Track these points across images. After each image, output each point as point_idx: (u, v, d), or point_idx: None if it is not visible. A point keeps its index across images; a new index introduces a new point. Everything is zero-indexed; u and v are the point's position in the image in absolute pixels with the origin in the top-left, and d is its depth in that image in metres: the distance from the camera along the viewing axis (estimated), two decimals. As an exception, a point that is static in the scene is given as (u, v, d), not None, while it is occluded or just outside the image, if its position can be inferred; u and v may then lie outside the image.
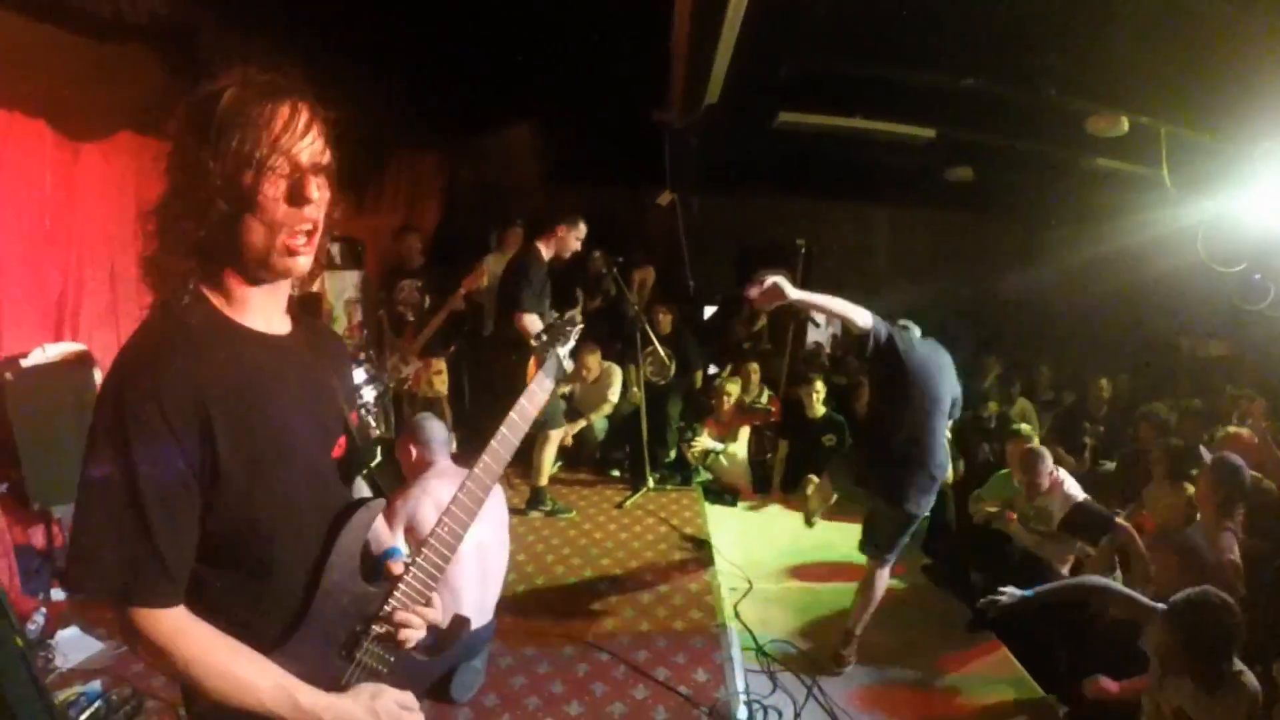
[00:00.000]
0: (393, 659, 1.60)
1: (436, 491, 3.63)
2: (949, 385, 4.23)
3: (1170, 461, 5.04)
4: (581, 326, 2.13)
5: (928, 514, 4.53)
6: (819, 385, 7.18)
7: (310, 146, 1.39)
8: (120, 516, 1.26)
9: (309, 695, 1.41)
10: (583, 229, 5.39)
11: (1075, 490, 4.96)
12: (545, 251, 5.25)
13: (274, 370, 1.45)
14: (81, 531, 1.28)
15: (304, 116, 1.39)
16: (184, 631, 1.32)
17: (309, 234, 1.41)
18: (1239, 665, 3.09)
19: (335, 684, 1.50)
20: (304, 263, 1.42)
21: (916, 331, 4.32)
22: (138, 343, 1.35)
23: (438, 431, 3.96)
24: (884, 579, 4.47)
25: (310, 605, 1.47)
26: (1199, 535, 4.26)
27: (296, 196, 1.37)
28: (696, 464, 7.11)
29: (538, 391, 1.98)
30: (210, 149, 1.31)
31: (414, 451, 3.89)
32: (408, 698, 1.56)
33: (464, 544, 3.64)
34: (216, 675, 1.33)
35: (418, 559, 1.64)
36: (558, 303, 5.84)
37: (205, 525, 1.35)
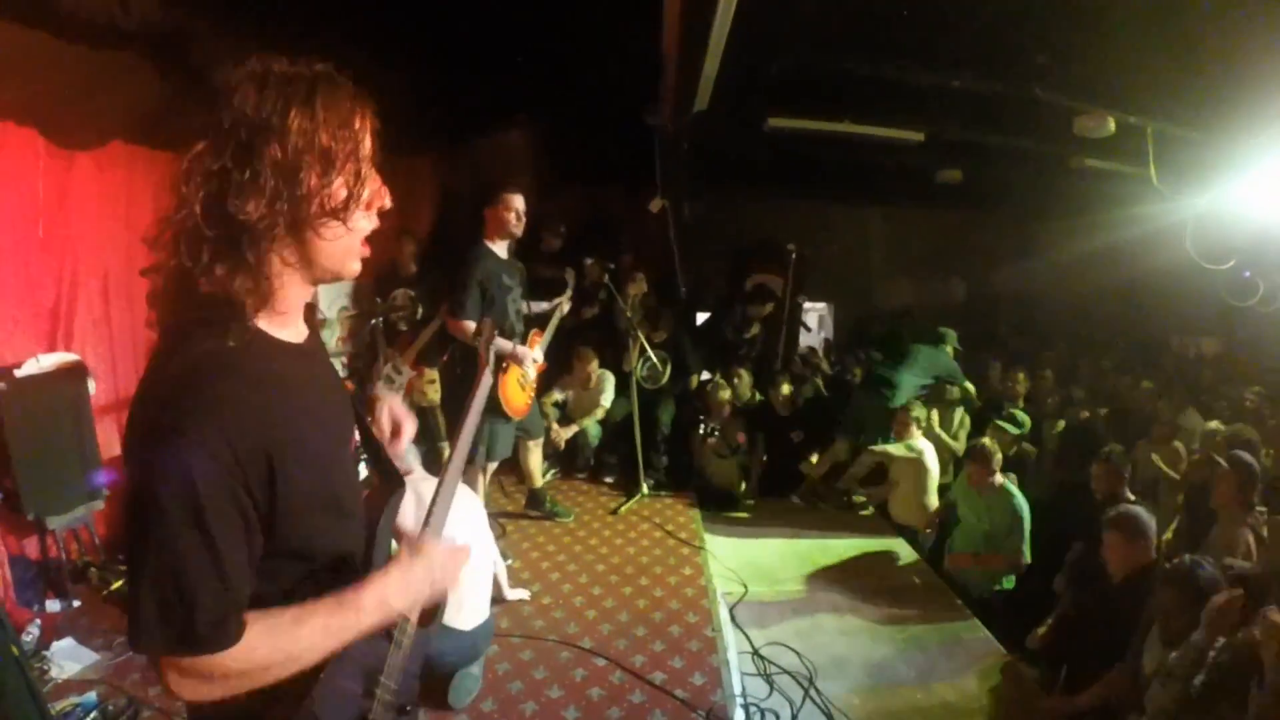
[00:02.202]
0: (405, 639, 1.60)
1: (419, 489, 3.65)
2: None
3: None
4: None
5: None
6: (785, 387, 7.46)
7: (369, 146, 1.36)
8: (200, 572, 1.20)
9: (358, 601, 1.37)
10: (517, 203, 5.00)
11: None
12: (496, 245, 5.00)
13: (310, 382, 1.42)
14: (158, 591, 1.19)
15: (367, 115, 1.35)
16: (253, 648, 1.26)
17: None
18: None
19: (381, 662, 1.52)
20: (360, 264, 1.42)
21: None
22: (193, 380, 1.22)
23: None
24: None
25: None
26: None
27: (375, 199, 1.37)
28: (711, 459, 7.14)
29: (484, 384, 2.07)
30: (295, 156, 1.25)
31: None
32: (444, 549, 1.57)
33: (458, 535, 3.66)
34: (294, 660, 1.30)
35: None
36: (549, 295, 5.82)
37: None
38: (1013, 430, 6.58)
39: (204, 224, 1.22)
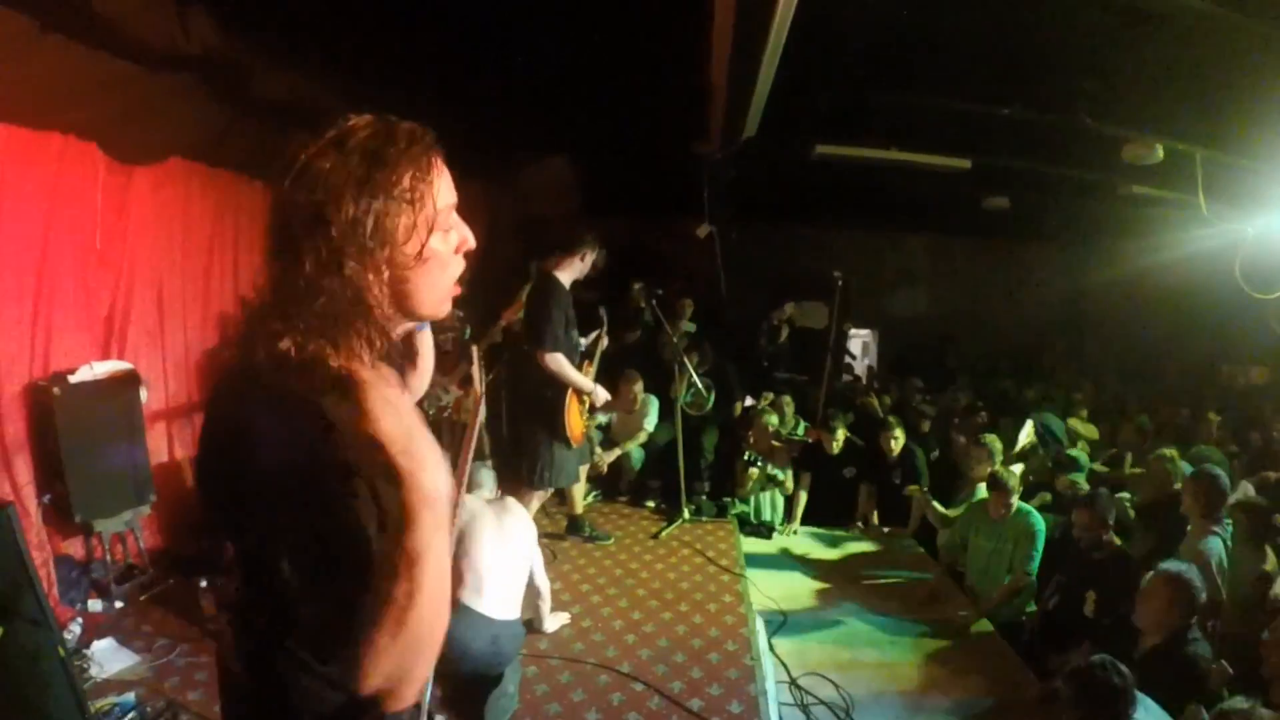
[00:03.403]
0: None
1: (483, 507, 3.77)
2: None
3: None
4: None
5: None
6: (840, 433, 7.19)
7: (451, 191, 1.41)
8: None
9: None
10: (598, 252, 5.22)
11: None
12: (565, 278, 5.11)
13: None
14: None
15: (441, 162, 1.39)
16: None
17: None
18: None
19: None
20: None
21: None
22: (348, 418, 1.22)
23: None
24: None
25: None
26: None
27: (462, 243, 1.41)
28: (754, 490, 7.06)
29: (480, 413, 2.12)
30: (381, 216, 1.27)
31: None
32: None
33: (488, 534, 3.69)
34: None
35: None
36: (585, 328, 5.85)
37: None
38: (1080, 480, 6.43)
39: (304, 297, 1.24)
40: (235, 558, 1.41)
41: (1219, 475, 4.84)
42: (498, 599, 3.75)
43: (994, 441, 6.43)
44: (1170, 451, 5.89)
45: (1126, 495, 6.34)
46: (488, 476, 4.33)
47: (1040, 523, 5.36)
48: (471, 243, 1.41)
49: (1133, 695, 3.13)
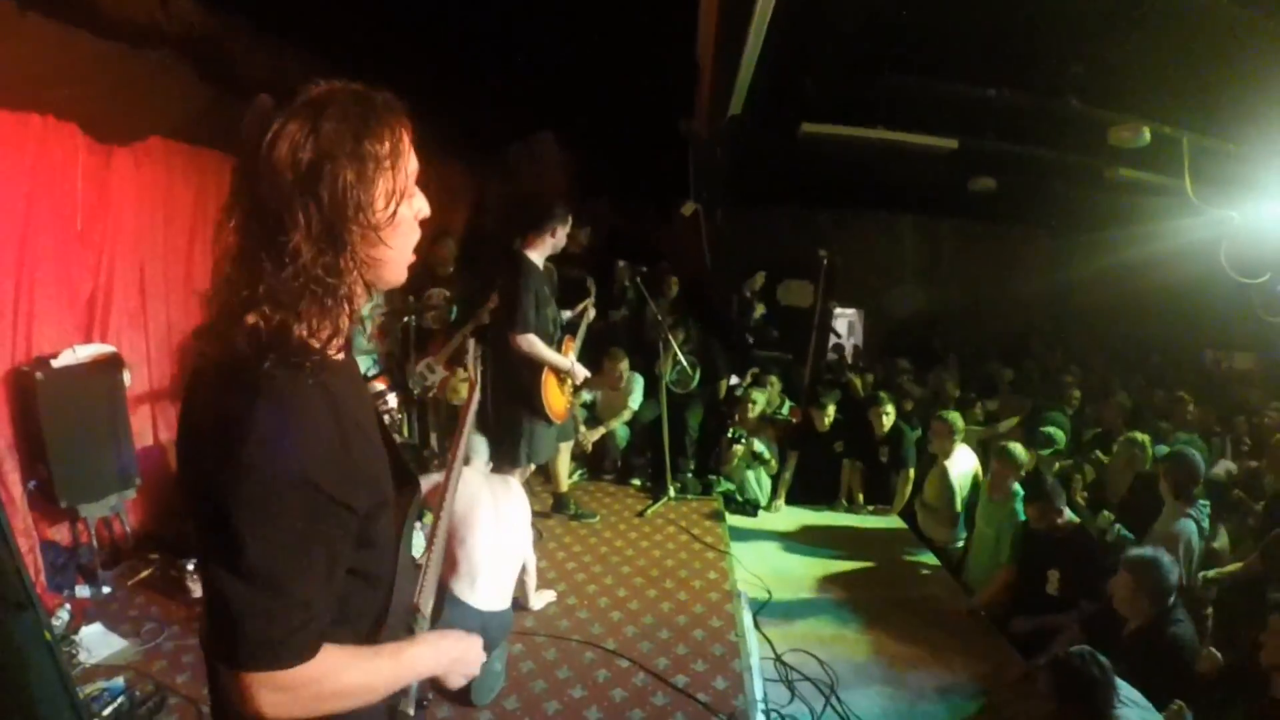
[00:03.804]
0: (423, 630, 1.62)
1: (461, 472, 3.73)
2: None
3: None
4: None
5: None
6: (830, 409, 7.24)
7: (414, 160, 1.39)
8: (301, 583, 1.23)
9: (408, 657, 1.44)
10: (569, 224, 5.15)
11: None
12: (537, 256, 5.06)
13: (359, 398, 1.45)
14: (259, 602, 1.20)
15: (408, 130, 1.37)
16: (341, 667, 1.31)
17: None
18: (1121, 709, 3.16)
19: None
20: None
21: None
22: (283, 414, 1.23)
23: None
24: None
25: (392, 589, 1.49)
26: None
27: (422, 211, 1.39)
28: (740, 468, 7.09)
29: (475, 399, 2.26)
30: (366, 184, 1.28)
31: None
32: (474, 641, 1.61)
33: (483, 520, 3.68)
34: (368, 691, 1.36)
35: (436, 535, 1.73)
36: (573, 301, 5.87)
37: None
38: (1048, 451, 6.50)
39: (281, 268, 1.24)
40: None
41: (1192, 456, 4.89)
42: (490, 591, 3.77)
43: (955, 419, 6.49)
44: (1141, 436, 5.95)
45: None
46: (481, 444, 4.30)
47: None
48: (427, 211, 1.40)
49: (1113, 685, 3.17)
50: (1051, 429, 6.71)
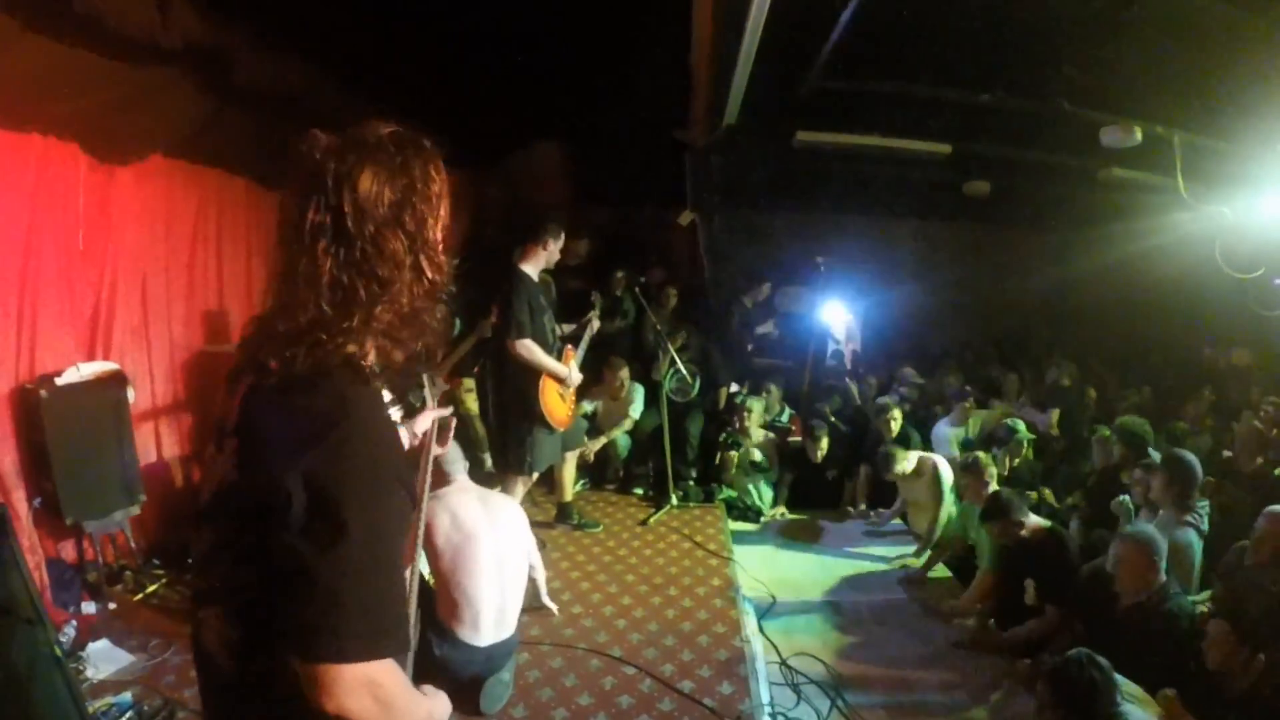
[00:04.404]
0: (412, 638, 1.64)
1: (453, 505, 3.72)
2: None
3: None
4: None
5: None
6: (823, 441, 7.22)
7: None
8: (391, 582, 1.28)
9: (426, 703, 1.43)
10: (562, 238, 5.27)
11: None
12: (530, 268, 5.16)
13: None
14: (359, 602, 1.22)
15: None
16: (402, 680, 1.31)
17: None
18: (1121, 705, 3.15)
19: (405, 665, 1.52)
20: None
21: None
22: (374, 415, 1.33)
23: (451, 452, 3.99)
24: None
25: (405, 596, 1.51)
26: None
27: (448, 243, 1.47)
28: (739, 474, 7.11)
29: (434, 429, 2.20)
30: (435, 220, 1.41)
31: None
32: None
33: (482, 556, 3.63)
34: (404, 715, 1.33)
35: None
36: (576, 314, 5.90)
37: None
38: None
39: (376, 301, 1.34)
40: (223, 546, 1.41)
41: (1190, 460, 4.77)
42: (494, 626, 3.74)
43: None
44: (1104, 430, 6.09)
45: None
46: (456, 453, 4.22)
47: None
48: None
49: (1115, 685, 3.14)
50: (1013, 420, 6.73)
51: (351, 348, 1.30)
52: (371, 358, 1.37)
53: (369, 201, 1.30)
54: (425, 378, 2.42)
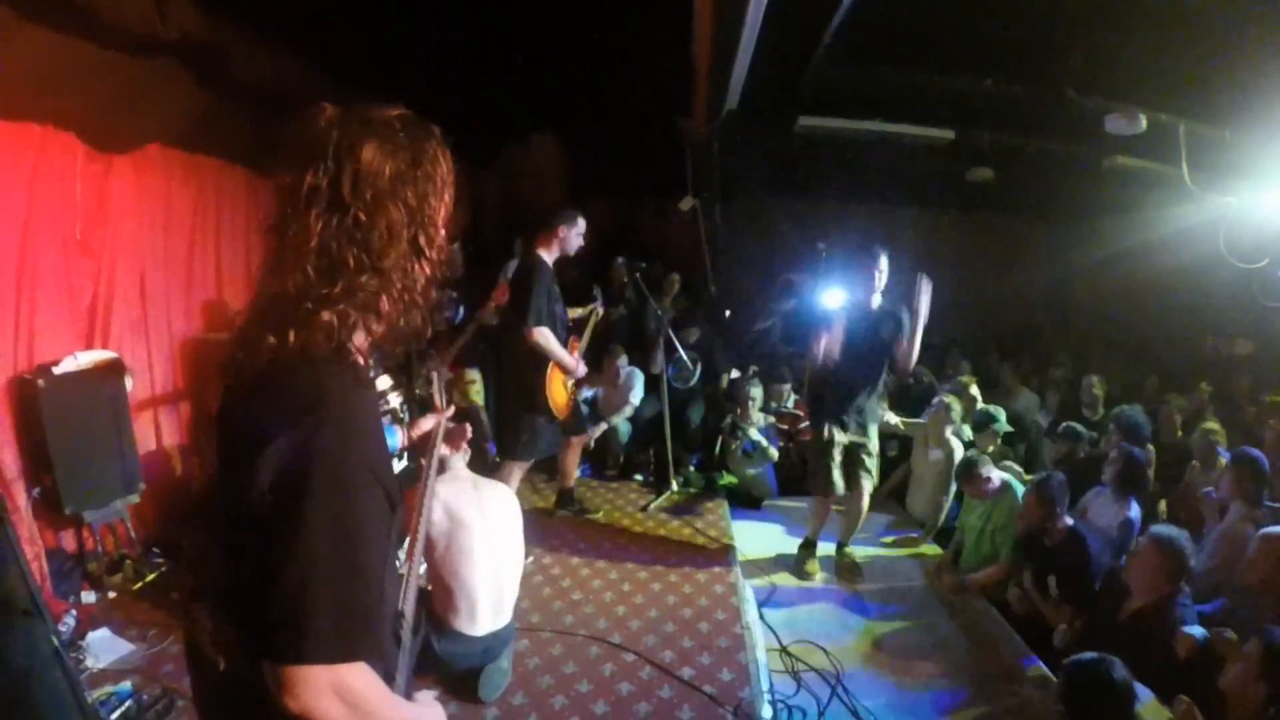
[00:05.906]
0: (406, 638, 1.63)
1: (445, 493, 3.70)
2: None
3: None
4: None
5: None
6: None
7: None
8: (360, 580, 1.24)
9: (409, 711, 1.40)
10: (582, 225, 5.23)
11: None
12: (547, 256, 5.17)
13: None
14: (323, 600, 1.18)
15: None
16: (374, 683, 1.26)
17: None
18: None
19: (393, 667, 1.50)
20: None
21: None
22: (351, 405, 1.29)
23: None
24: None
25: (383, 597, 1.45)
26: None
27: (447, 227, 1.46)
28: (740, 460, 7.09)
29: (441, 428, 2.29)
30: (437, 201, 1.40)
31: None
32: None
33: (475, 546, 3.62)
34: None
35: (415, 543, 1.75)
36: (578, 304, 5.91)
37: None
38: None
39: (363, 269, 1.32)
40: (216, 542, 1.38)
41: (1257, 456, 4.64)
42: (490, 615, 3.74)
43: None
44: (1076, 425, 6.15)
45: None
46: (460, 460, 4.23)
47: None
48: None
49: (1133, 692, 3.09)
50: (991, 407, 6.73)
51: (327, 315, 1.27)
52: (360, 338, 1.35)
53: (370, 170, 1.29)
54: (434, 374, 2.40)
